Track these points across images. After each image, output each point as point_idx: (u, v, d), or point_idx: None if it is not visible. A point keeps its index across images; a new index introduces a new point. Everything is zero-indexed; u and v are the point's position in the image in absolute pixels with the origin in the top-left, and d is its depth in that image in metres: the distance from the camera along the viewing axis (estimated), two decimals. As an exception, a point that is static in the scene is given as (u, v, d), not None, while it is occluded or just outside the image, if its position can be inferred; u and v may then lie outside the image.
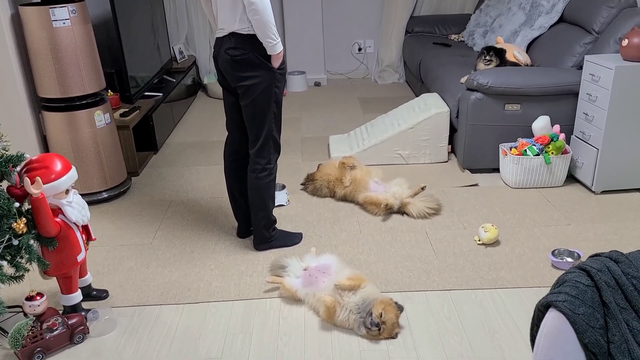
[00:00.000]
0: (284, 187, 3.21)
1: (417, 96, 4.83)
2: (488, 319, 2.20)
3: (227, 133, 2.70)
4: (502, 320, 2.19)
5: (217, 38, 2.47)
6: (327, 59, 5.75)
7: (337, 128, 4.36)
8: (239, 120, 2.61)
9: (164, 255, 2.71)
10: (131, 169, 3.55)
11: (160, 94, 4.22)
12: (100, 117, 3.13)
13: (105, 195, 3.22)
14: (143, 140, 3.87)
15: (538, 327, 1.07)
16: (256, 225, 2.67)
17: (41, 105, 3.09)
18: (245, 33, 2.33)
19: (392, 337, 2.11)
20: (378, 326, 2.07)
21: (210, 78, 5.44)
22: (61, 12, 2.85)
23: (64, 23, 2.88)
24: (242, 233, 2.84)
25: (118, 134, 3.34)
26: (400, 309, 2.16)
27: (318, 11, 5.46)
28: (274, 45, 2.33)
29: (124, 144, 3.48)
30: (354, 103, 5.05)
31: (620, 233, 2.76)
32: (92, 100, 3.10)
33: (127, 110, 3.70)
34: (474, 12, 5.18)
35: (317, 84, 5.67)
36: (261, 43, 2.33)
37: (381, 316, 2.08)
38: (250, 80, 2.39)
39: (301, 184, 3.38)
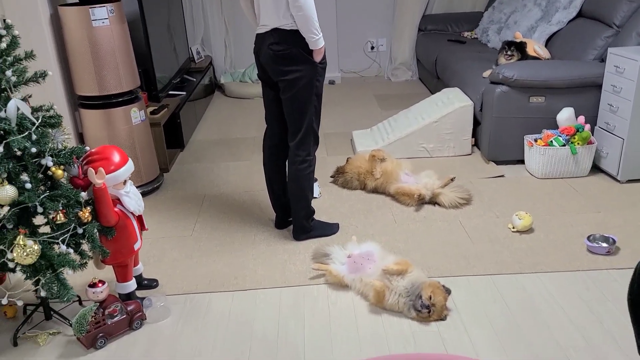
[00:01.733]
0: (316, 179, 3.28)
1: (432, 92, 4.92)
2: (531, 301, 2.27)
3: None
4: (545, 301, 2.26)
5: (258, 34, 2.54)
6: (341, 57, 5.82)
7: (357, 124, 4.43)
8: (278, 114, 2.68)
9: (206, 246, 2.77)
10: (162, 165, 3.61)
11: (184, 93, 4.29)
12: (136, 114, 3.19)
13: (140, 190, 3.24)
14: (170, 137, 3.93)
15: (639, 284, 1.14)
16: (296, 215, 2.74)
17: (78, 103, 3.15)
18: (288, 29, 2.40)
19: (442, 319, 2.18)
20: (428, 308, 2.14)
21: (226, 78, 5.51)
22: (100, 12, 2.92)
23: (102, 22, 2.94)
24: (280, 224, 2.90)
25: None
26: (448, 291, 2.23)
27: (332, 11, 5.54)
28: (316, 40, 2.40)
29: (156, 140, 3.54)
30: (371, 100, 5.13)
31: (649, 219, 2.85)
32: (128, 98, 3.16)
33: (156, 108, 3.77)
34: (486, 10, 5.27)
35: (332, 83, 5.74)
36: (303, 38, 2.39)
37: (430, 298, 2.15)
38: (293, 74, 2.46)
39: (331, 177, 3.45)
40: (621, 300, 2.25)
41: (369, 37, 5.85)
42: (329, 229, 2.83)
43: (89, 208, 2.01)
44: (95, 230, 2.03)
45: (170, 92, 4.21)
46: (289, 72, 2.46)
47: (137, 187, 3.24)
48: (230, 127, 4.54)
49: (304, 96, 2.51)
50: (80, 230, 1.99)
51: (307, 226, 2.76)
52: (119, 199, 2.14)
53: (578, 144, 3.25)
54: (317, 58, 2.47)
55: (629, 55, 3.04)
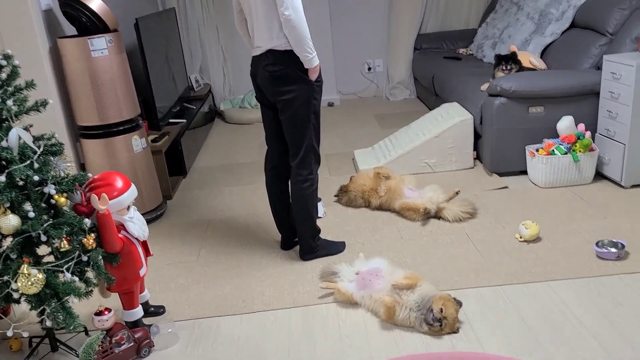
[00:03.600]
0: (319, 199, 3.27)
1: (430, 109, 4.95)
2: (544, 310, 2.23)
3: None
4: (559, 310, 2.22)
5: (253, 57, 2.56)
6: (339, 79, 5.87)
7: (359, 143, 4.44)
8: (278, 135, 2.69)
9: (212, 271, 2.75)
10: (165, 192, 3.61)
11: (184, 121, 4.31)
12: (138, 142, 3.20)
13: (144, 218, 3.26)
14: (172, 165, 3.93)
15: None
16: (302, 235, 2.72)
17: (79, 133, 3.16)
18: (282, 49, 2.42)
19: (454, 332, 2.14)
20: (440, 321, 2.11)
21: (226, 104, 5.54)
22: (99, 42, 2.95)
23: (101, 53, 2.97)
24: (286, 245, 2.88)
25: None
26: (459, 304, 2.20)
27: (328, 33, 5.60)
28: (311, 59, 2.41)
29: (158, 168, 3.54)
30: (370, 119, 5.15)
31: (657, 223, 2.82)
32: (128, 126, 3.17)
33: (156, 136, 3.78)
34: (480, 26, 5.33)
35: (331, 104, 5.78)
36: (298, 57, 2.41)
37: (442, 311, 2.12)
38: (290, 94, 2.47)
39: (335, 196, 3.44)
40: (635, 305, 2.21)
41: (366, 59, 5.90)
42: (335, 248, 2.81)
43: (93, 235, 1.99)
44: (100, 257, 2.01)
45: (171, 120, 4.23)
46: (286, 92, 2.47)
47: (141, 215, 3.25)
48: (231, 152, 4.55)
49: (302, 115, 2.51)
50: (84, 258, 1.97)
51: (313, 245, 2.74)
52: (123, 225, 2.13)
53: (580, 151, 3.25)
54: (313, 77, 2.47)
55: (625, 61, 3.05)
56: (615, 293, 2.30)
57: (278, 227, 2.87)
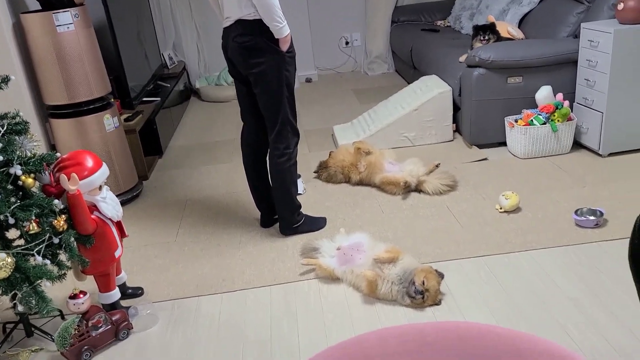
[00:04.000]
0: (299, 176, 3.22)
1: (409, 83, 4.89)
2: (525, 279, 2.24)
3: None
4: (539, 278, 2.23)
5: (224, 28, 2.47)
6: (316, 55, 5.78)
7: (338, 118, 4.39)
8: (253, 110, 2.62)
9: (192, 251, 2.70)
10: (140, 172, 3.52)
11: (158, 99, 4.20)
12: (110, 121, 3.11)
13: (119, 199, 3.16)
14: (147, 144, 3.84)
15: None
16: (281, 210, 2.68)
17: (48, 113, 3.05)
18: (251, 19, 2.33)
19: (437, 304, 2.13)
20: (422, 294, 2.10)
21: (201, 82, 5.43)
22: (65, 17, 2.83)
23: (67, 28, 2.85)
24: (265, 223, 2.84)
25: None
26: (440, 275, 2.19)
27: (304, 9, 5.49)
28: (280, 29, 2.33)
29: (132, 148, 3.45)
30: (349, 95, 5.09)
31: (635, 190, 2.84)
32: (99, 105, 3.07)
33: (130, 115, 3.68)
34: (457, -2, 5.27)
35: (309, 80, 5.69)
36: (268, 27, 2.33)
37: (424, 284, 2.11)
38: (260, 66, 2.39)
39: (314, 172, 3.39)
40: (614, 271, 2.23)
41: (343, 33, 5.81)
42: (316, 224, 2.77)
43: (64, 216, 1.92)
44: (73, 239, 1.95)
45: (144, 99, 4.12)
46: (256, 64, 2.39)
47: (116, 195, 3.17)
48: (208, 130, 4.46)
49: (274, 87, 2.44)
50: (56, 240, 1.90)
51: (292, 221, 2.70)
52: (95, 206, 2.06)
53: (558, 121, 3.24)
54: (284, 47, 2.40)
55: (602, 28, 3.04)
56: (594, 260, 2.31)
57: (257, 204, 2.82)
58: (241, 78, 2.54)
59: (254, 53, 2.38)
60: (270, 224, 2.84)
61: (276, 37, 2.35)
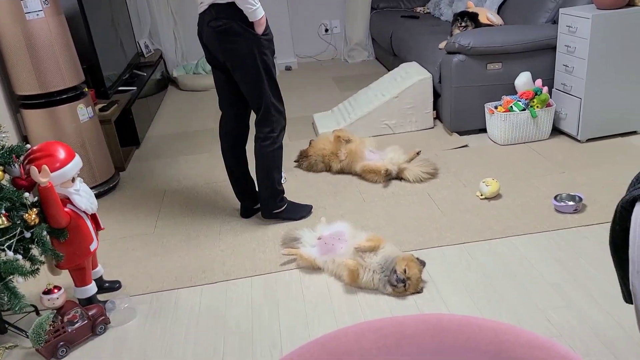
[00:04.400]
0: (279, 165, 3.19)
1: (389, 70, 4.87)
2: (506, 265, 2.24)
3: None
4: (520, 264, 2.24)
5: (199, 14, 2.41)
6: (295, 43, 5.72)
7: (318, 107, 4.35)
8: (231, 97, 2.57)
9: (170, 242, 2.65)
10: (117, 163, 3.45)
11: (135, 88, 4.12)
12: (84, 111, 3.03)
13: (96, 191, 3.12)
14: (124, 135, 3.76)
15: (620, 225, 1.10)
16: (262, 194, 2.66)
17: (19, 104, 2.97)
18: (224, 2, 2.28)
19: (418, 292, 2.13)
20: (404, 282, 2.09)
21: (179, 71, 5.34)
22: (33, 4, 2.74)
23: (37, 15, 2.76)
24: (245, 213, 2.80)
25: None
26: (422, 263, 2.18)
27: (282, -5, 5.42)
28: (254, 11, 2.28)
29: (108, 138, 3.38)
30: (329, 83, 5.05)
31: (613, 175, 2.86)
32: (72, 94, 2.99)
33: (105, 105, 3.60)
34: (437, -16, 5.24)
35: (288, 68, 5.64)
36: (241, 11, 2.28)
37: (405, 272, 2.10)
38: (237, 50, 2.35)
39: (295, 161, 3.36)
40: (593, 256, 2.24)
41: (322, 20, 5.76)
42: (299, 212, 2.74)
43: (35, 210, 1.86)
44: (45, 233, 1.89)
45: (120, 88, 4.03)
46: (232, 49, 2.35)
47: (91, 187, 3.10)
48: (186, 120, 4.39)
49: (253, 72, 2.39)
50: (28, 235, 1.84)
51: (273, 206, 2.67)
52: (68, 198, 2.00)
53: (537, 107, 3.25)
54: (259, 30, 2.34)
55: (580, 14, 3.04)
56: (573, 245, 2.33)
57: (237, 194, 2.78)
58: (218, 65, 2.49)
59: (229, 38, 2.33)
60: (250, 215, 2.80)
61: (250, 20, 2.30)
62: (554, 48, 3.34)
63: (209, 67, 5.18)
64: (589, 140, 3.28)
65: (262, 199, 2.66)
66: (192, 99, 4.93)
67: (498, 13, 3.99)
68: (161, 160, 3.64)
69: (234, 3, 2.26)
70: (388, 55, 5.03)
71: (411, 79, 3.62)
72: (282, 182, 3.11)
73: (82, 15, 3.46)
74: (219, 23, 2.31)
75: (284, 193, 2.69)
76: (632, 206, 1.06)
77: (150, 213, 2.95)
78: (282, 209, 2.68)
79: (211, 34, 2.35)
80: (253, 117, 2.58)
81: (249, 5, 2.26)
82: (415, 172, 3.02)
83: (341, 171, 3.19)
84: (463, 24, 3.69)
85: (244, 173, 2.70)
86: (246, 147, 2.70)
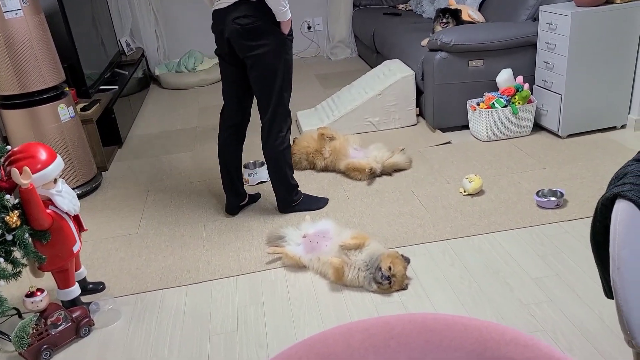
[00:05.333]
0: (263, 163, 3.19)
1: (372, 68, 4.88)
2: (489, 261, 2.27)
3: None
4: (503, 260, 2.26)
5: (217, 10, 2.41)
6: (278, 39, 5.69)
7: (302, 104, 4.35)
8: (238, 92, 2.60)
9: (154, 243, 2.63)
10: (99, 163, 3.42)
11: (116, 87, 4.07)
12: (65, 110, 2.99)
13: (78, 191, 3.08)
14: (106, 134, 3.72)
15: (601, 222, 1.12)
16: (278, 191, 2.71)
17: (-2, 104, 2.92)
18: (254, 0, 2.30)
19: (403, 289, 2.14)
20: (389, 279, 2.10)
21: (161, 69, 5.29)
22: (12, 3, 2.69)
23: (16, 14, 2.72)
24: (230, 208, 2.80)
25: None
26: (407, 260, 2.20)
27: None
28: (284, 12, 2.34)
29: (90, 138, 3.34)
30: (312, 80, 5.05)
31: (593, 170, 2.91)
32: (53, 94, 2.95)
33: (86, 104, 3.56)
34: (419, -19, 5.26)
35: (271, 66, 5.61)
36: (270, 10, 2.32)
37: (390, 269, 2.11)
38: (262, 48, 2.38)
39: (279, 160, 3.35)
40: (574, 250, 2.28)
41: (305, 17, 5.74)
42: (316, 203, 2.79)
43: (16, 212, 1.84)
44: (27, 235, 1.87)
45: (102, 87, 3.99)
46: (258, 46, 2.38)
47: (73, 188, 3.07)
48: (169, 119, 4.36)
49: (273, 71, 2.44)
50: (9, 237, 1.82)
51: (289, 200, 2.73)
52: (50, 200, 1.98)
53: (519, 103, 3.29)
54: (285, 30, 2.41)
55: (560, 11, 3.08)
56: (555, 240, 2.36)
57: (225, 189, 2.77)
58: (232, 61, 2.49)
59: (257, 35, 2.36)
60: (236, 212, 2.80)
61: (278, 20, 2.35)
62: (534, 45, 3.38)
63: (191, 66, 5.15)
64: (569, 136, 3.33)
65: (279, 196, 2.72)
66: (174, 97, 4.90)
67: (479, 10, 4.03)
68: (144, 160, 3.61)
69: (263, 1, 2.29)
70: (371, 53, 5.05)
71: (394, 76, 3.64)
72: (267, 180, 3.12)
73: (62, 13, 3.42)
74: (247, 21, 2.33)
75: (298, 187, 2.75)
76: (613, 203, 1.08)
77: (134, 213, 2.93)
78: (298, 201, 2.74)
79: (237, 31, 2.36)
80: (254, 116, 2.60)
81: (281, 7, 2.30)
82: (392, 161, 3.05)
83: (325, 169, 3.20)
84: (444, 21, 3.72)
85: (237, 168, 2.73)
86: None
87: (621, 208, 1.04)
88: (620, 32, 3.09)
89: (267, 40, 2.36)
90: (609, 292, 1.19)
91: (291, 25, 2.43)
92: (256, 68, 2.43)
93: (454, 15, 3.73)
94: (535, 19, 3.51)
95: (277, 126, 2.55)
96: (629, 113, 3.33)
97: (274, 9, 2.31)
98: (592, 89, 3.20)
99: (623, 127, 3.37)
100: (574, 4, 3.12)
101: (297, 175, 3.18)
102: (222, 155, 2.69)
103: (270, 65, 2.42)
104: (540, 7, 3.27)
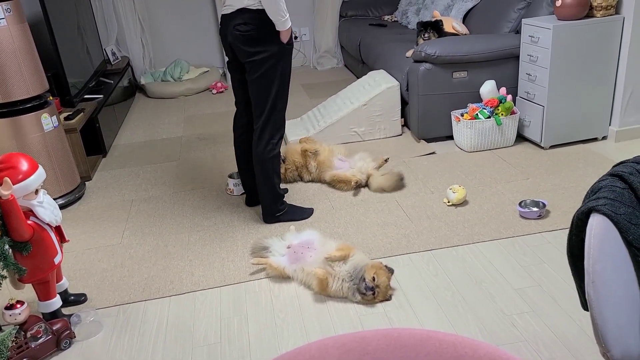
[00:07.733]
0: (248, 173, 3.18)
1: (358, 78, 4.91)
2: (472, 271, 2.28)
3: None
4: (486, 270, 2.28)
5: (223, 15, 2.49)
6: (265, 49, 5.71)
7: (287, 114, 4.32)
8: (245, 95, 2.66)
9: (137, 253, 2.62)
10: (83, 173, 3.40)
11: (101, 96, 4.05)
12: (48, 120, 2.97)
13: (61, 201, 3.06)
14: (90, 143, 3.70)
15: (577, 235, 1.14)
16: (263, 198, 2.72)
17: (-20, 113, 2.89)
18: (254, 8, 2.35)
19: (387, 299, 2.15)
20: (373, 290, 2.11)
21: (147, 78, 5.28)
22: (-5, 11, 2.68)
23: (-2, 23, 2.70)
24: (250, 201, 2.94)
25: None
26: (390, 271, 2.20)
27: (251, 2, 5.41)
28: (284, 22, 2.37)
29: (73, 148, 3.32)
30: (298, 90, 5.06)
31: (575, 181, 2.95)
32: (37, 103, 2.93)
33: (70, 113, 3.54)
34: (404, -8, 5.31)
35: (258, 75, 5.62)
36: (269, 18, 2.35)
37: (374, 280, 2.12)
38: (260, 55, 2.43)
39: (264, 170, 3.35)
40: (556, 261, 2.31)
41: (292, 27, 5.76)
42: (300, 214, 2.79)
43: (-4, 223, 1.82)
44: (7, 247, 1.85)
45: (86, 96, 3.97)
46: (256, 53, 2.43)
47: (56, 198, 3.05)
48: (155, 128, 4.34)
49: (269, 77, 2.48)
50: (-11, 249, 1.80)
51: (274, 209, 2.73)
52: (31, 211, 1.96)
53: (502, 114, 3.33)
54: (285, 39, 2.44)
55: (542, 24, 3.12)
56: (537, 250, 2.39)
57: (244, 184, 2.91)
58: (236, 65, 2.58)
59: (256, 42, 2.41)
60: (254, 204, 2.92)
61: (278, 29, 2.39)
62: (517, 57, 3.43)
63: (177, 75, 5.15)
64: (552, 147, 3.37)
65: (264, 203, 2.73)
66: (160, 107, 4.88)
67: (463, 22, 4.07)
68: (128, 169, 3.59)
69: (263, 10, 2.33)
70: (357, 63, 5.08)
71: (379, 86, 3.67)
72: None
73: (47, 22, 3.41)
74: (247, 28, 2.38)
75: (284, 197, 2.77)
76: (588, 217, 1.10)
77: (117, 223, 2.91)
78: (282, 212, 2.74)
79: (238, 38, 2.42)
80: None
81: (280, 17, 2.33)
82: (378, 183, 3.02)
83: (312, 181, 3.20)
84: (426, 35, 3.75)
85: (252, 166, 2.79)
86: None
87: (596, 222, 1.06)
88: (601, 44, 3.14)
89: (266, 47, 2.41)
90: (585, 305, 1.21)
91: (291, 34, 2.46)
92: (253, 73, 2.48)
93: (435, 27, 3.77)
94: (517, 31, 3.56)
95: (269, 133, 2.58)
96: (609, 124, 3.39)
97: (274, 19, 2.35)
98: (573, 101, 3.25)
99: (604, 138, 3.42)
100: (555, 17, 3.17)
101: (283, 186, 3.18)
102: (237, 153, 2.80)
103: (266, 72, 2.46)
104: (522, 19, 3.32)
